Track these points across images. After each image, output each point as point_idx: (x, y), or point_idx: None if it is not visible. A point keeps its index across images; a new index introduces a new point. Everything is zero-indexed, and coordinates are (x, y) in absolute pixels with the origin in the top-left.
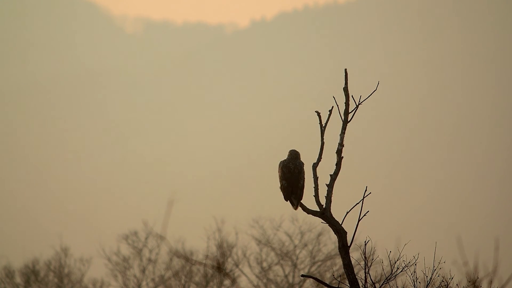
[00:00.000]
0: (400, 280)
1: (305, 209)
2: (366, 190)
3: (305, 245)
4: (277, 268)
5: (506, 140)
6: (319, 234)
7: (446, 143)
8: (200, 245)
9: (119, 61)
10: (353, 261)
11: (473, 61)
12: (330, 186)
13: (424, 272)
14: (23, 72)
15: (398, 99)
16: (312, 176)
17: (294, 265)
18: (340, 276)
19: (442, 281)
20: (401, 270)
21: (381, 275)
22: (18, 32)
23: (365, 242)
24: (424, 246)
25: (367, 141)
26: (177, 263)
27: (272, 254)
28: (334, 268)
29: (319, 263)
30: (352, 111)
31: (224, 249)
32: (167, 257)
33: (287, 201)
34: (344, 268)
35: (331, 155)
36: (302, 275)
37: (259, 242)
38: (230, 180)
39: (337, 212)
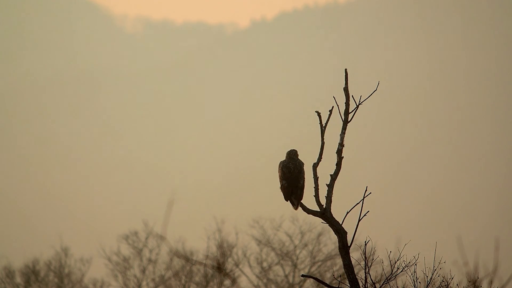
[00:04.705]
0: (400, 280)
1: (305, 209)
2: (366, 190)
3: (305, 245)
4: (277, 268)
5: (506, 140)
6: (319, 234)
7: (446, 143)
8: (200, 245)
9: (119, 61)
10: (353, 261)
11: (474, 61)
12: (330, 186)
13: (424, 272)
14: (23, 72)
15: (398, 99)
16: (312, 176)
17: (294, 265)
18: (340, 276)
19: (442, 281)
20: (401, 270)
21: (381, 275)
22: (18, 32)
23: (365, 242)
24: (424, 246)
25: (367, 141)
26: (177, 263)
27: (272, 254)
28: (334, 268)
29: (319, 263)
30: (352, 111)
31: (224, 249)
32: (167, 257)
33: (287, 201)
34: (344, 268)
35: (331, 155)
36: (302, 275)
37: (259, 242)
38: (230, 180)
39: (337, 212)
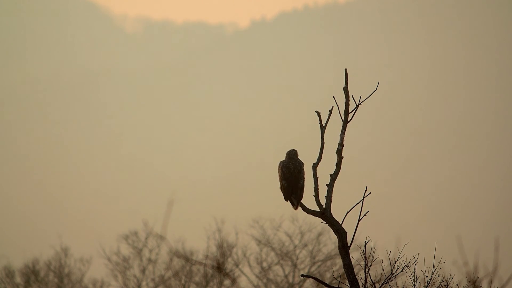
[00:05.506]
0: (400, 280)
1: (305, 209)
2: (366, 190)
3: (305, 245)
4: (277, 268)
5: (506, 140)
6: (319, 234)
7: (446, 143)
8: (200, 245)
9: (119, 61)
10: (353, 261)
11: (474, 61)
12: (330, 186)
13: (424, 272)
14: (23, 72)
15: (398, 99)
16: (312, 176)
17: (294, 265)
18: (340, 276)
19: (442, 281)
20: (401, 270)
21: (381, 275)
22: (18, 32)
23: (365, 242)
24: (424, 246)
25: (367, 141)
26: (177, 263)
27: (272, 254)
28: (334, 268)
29: (319, 263)
30: (352, 111)
31: (224, 249)
32: (167, 257)
33: (287, 201)
34: (344, 268)
35: (331, 155)
36: (302, 275)
37: (259, 242)
38: (230, 180)
39: (337, 212)
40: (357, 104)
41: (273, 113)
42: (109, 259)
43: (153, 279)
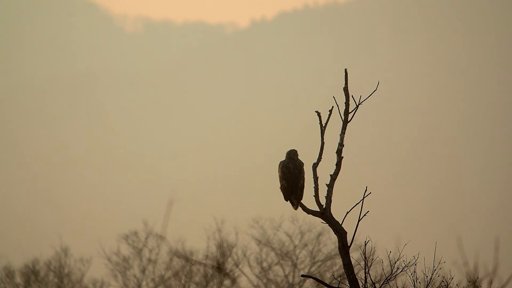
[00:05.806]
0: (400, 280)
1: (305, 209)
2: (366, 190)
3: (305, 245)
4: (277, 268)
5: (506, 140)
6: (319, 234)
7: (446, 143)
8: (200, 245)
9: (119, 61)
10: (353, 261)
11: (474, 61)
12: (330, 186)
13: (424, 272)
14: (22, 72)
15: (398, 99)
16: (312, 176)
17: (294, 265)
18: (340, 276)
19: (442, 281)
20: (401, 270)
21: (381, 275)
22: (18, 32)
23: (365, 242)
24: (424, 246)
25: (367, 141)
26: (177, 263)
27: (272, 254)
28: (334, 268)
29: (319, 263)
30: (352, 111)
31: (224, 249)
32: (167, 257)
33: (287, 201)
34: (344, 268)
35: (331, 155)
36: (302, 275)
37: (259, 242)
38: (230, 180)
39: (337, 212)
40: (357, 104)
41: (273, 113)
42: (109, 259)
43: (153, 279)
